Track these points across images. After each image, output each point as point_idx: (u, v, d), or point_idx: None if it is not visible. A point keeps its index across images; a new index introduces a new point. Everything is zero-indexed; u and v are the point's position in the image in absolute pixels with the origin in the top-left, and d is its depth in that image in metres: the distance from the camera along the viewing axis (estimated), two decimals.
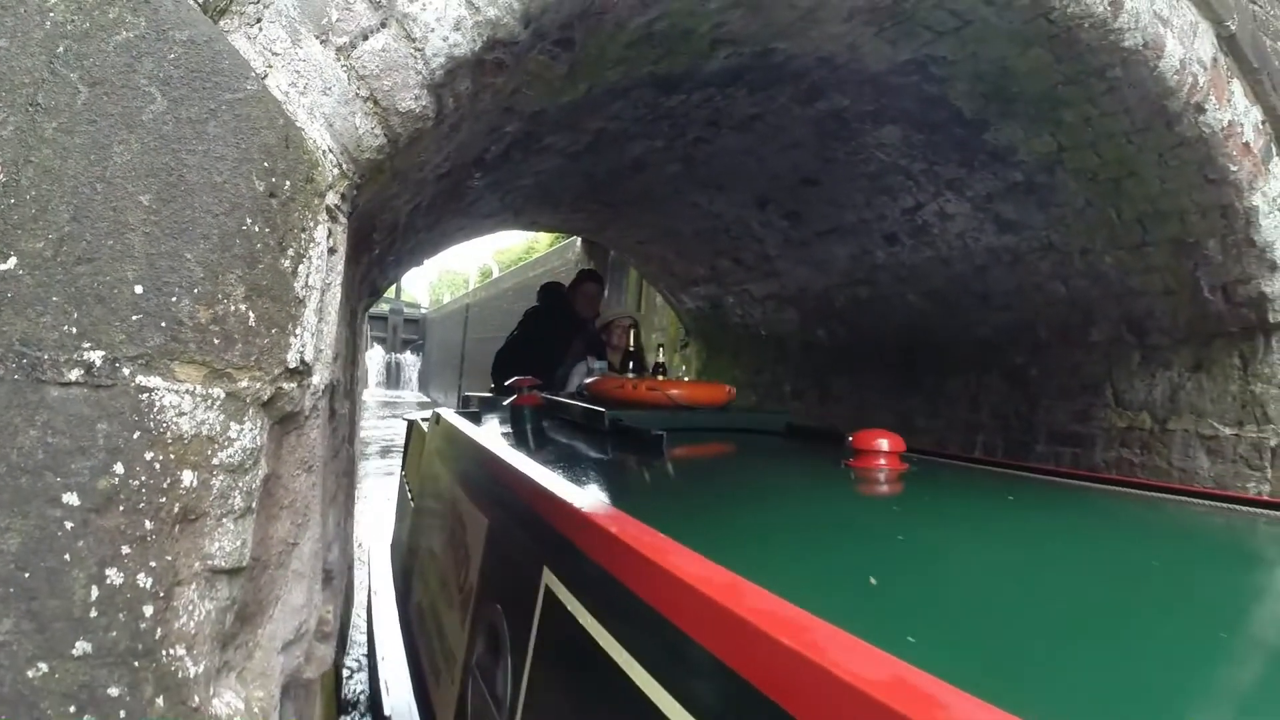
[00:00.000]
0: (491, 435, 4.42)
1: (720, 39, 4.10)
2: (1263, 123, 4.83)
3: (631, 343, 6.45)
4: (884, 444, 3.58)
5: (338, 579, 3.37)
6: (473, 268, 45.27)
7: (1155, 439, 5.78)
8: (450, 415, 5.43)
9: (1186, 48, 4.36)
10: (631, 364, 6.07)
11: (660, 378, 5.64)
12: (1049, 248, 5.93)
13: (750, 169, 6.45)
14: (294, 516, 2.31)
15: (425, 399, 46.95)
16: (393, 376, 54.26)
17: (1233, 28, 4.55)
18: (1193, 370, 5.61)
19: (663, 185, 6.96)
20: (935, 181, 6.03)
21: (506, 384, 6.67)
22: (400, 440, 27.81)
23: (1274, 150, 4.93)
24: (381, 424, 29.01)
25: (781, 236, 7.68)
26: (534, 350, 7.98)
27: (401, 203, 3.82)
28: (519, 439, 4.76)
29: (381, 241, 4.35)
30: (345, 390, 4.19)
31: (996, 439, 7.01)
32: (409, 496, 6.40)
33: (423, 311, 54.41)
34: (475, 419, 5.46)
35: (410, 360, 55.56)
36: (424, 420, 6.84)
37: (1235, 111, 4.66)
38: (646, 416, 4.51)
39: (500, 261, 36.26)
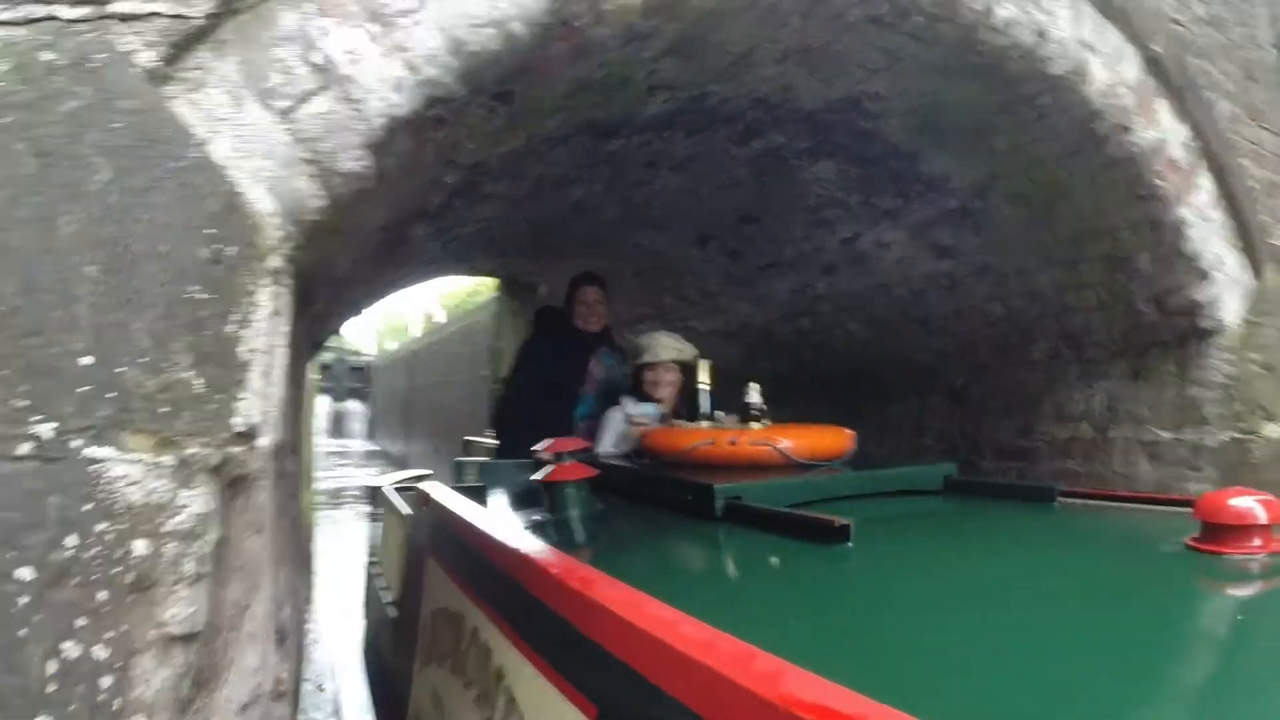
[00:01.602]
0: (536, 541, 2.62)
1: (656, 85, 4.15)
2: (1189, 139, 4.95)
3: (705, 380, 4.84)
4: (1260, 513, 2.34)
5: (291, 638, 3.34)
6: (418, 313, 45.16)
7: (1096, 448, 5.87)
8: (447, 496, 3.82)
9: (1113, 72, 4.47)
10: (704, 406, 4.72)
11: (756, 424, 4.09)
12: (986, 270, 6.03)
13: (690, 208, 6.52)
14: (246, 579, 2.30)
15: (374, 447, 46.54)
16: (340, 425, 53.69)
17: (1157, 50, 4.68)
18: (1130, 379, 5.72)
19: (604, 227, 7.01)
20: (872, 212, 6.12)
21: (535, 450, 4.64)
22: (349, 486, 27.33)
23: (1200, 164, 5.06)
24: (330, 474, 28.75)
25: (723, 273, 7.74)
26: (542, 391, 6.30)
27: (344, 258, 3.82)
28: (584, 540, 3.29)
29: (324, 296, 4.34)
30: (292, 447, 4.16)
31: (896, 449, 7.16)
32: (385, 601, 5.09)
33: (368, 359, 53.94)
34: (477, 497, 4.01)
35: (357, 409, 54.95)
36: (399, 492, 5.78)
37: (1162, 130, 4.78)
38: (767, 488, 3.21)
39: (445, 306, 36.09)
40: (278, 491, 2.65)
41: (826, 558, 2.53)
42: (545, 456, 3.60)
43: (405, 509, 5.18)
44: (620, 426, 5.54)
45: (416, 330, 41.30)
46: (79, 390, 1.83)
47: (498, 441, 6.91)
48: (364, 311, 8.21)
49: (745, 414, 4.22)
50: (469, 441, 12.38)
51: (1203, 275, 5.14)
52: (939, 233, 6.00)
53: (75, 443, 1.82)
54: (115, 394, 1.85)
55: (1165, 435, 5.51)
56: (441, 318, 35.96)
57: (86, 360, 1.84)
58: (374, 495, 7.75)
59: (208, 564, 2.04)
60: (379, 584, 5.64)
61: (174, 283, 1.96)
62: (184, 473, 1.95)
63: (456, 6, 2.56)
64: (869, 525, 2.66)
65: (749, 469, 3.68)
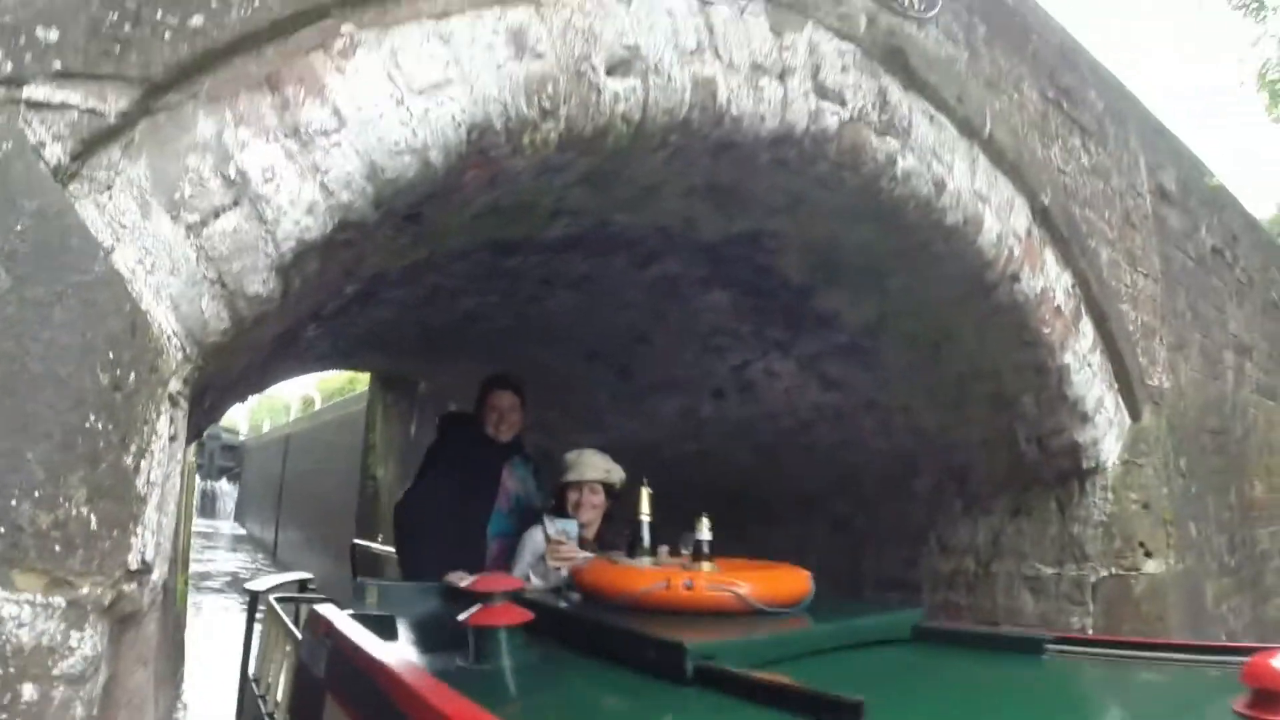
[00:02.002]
0: (466, 704, 2.21)
1: (561, 210, 4.17)
2: (1073, 286, 5.15)
3: (647, 511, 4.29)
4: None
5: None
6: (295, 395, 44.25)
7: (980, 581, 5.97)
8: (351, 629, 3.37)
9: (1004, 222, 4.64)
10: (644, 541, 4.19)
11: (707, 564, 3.68)
12: (872, 405, 6.14)
13: (582, 325, 6.51)
14: (130, 713, 2.21)
15: (241, 530, 45.26)
16: (208, 505, 51.79)
17: (1045, 201, 4.88)
18: (1013, 515, 5.85)
19: (495, 336, 6.96)
20: (763, 342, 6.19)
21: (450, 580, 4.76)
22: (215, 569, 26.42)
23: (1083, 311, 5.24)
24: (198, 556, 27.85)
25: (611, 390, 7.72)
26: (450, 504, 5.52)
27: (237, 367, 3.72)
28: (525, 706, 2.86)
29: (211, 397, 4.22)
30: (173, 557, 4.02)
31: (822, 587, 7.10)
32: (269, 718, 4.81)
33: (241, 439, 52.41)
34: (386, 629, 3.51)
35: (227, 489, 53.35)
36: (277, 605, 5.57)
37: (1048, 278, 4.95)
38: (740, 646, 2.94)
39: (323, 390, 35.47)
40: (163, 615, 2.54)
41: None
42: (470, 592, 3.17)
43: (295, 631, 4.89)
44: (540, 547, 5.14)
45: (294, 411, 40.55)
46: None
47: (395, 552, 6.35)
48: (247, 399, 8.02)
49: (696, 552, 3.81)
50: (357, 546, 11.73)
51: (1084, 418, 5.31)
52: (828, 366, 6.09)
53: None
54: (5, 529, 1.76)
55: (1047, 571, 5.64)
56: (318, 401, 35.41)
57: None
58: (253, 601, 7.38)
59: (95, 706, 1.94)
60: (264, 706, 5.24)
61: (72, 410, 1.87)
62: (75, 613, 1.86)
63: (376, 132, 2.53)
64: (847, 690, 2.30)
65: (704, 617, 3.30)
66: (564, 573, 4.61)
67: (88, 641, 1.90)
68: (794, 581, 3.62)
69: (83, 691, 1.89)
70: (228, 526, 46.81)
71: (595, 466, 5.23)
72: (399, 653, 3.02)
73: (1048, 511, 5.71)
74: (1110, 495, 5.52)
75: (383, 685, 2.60)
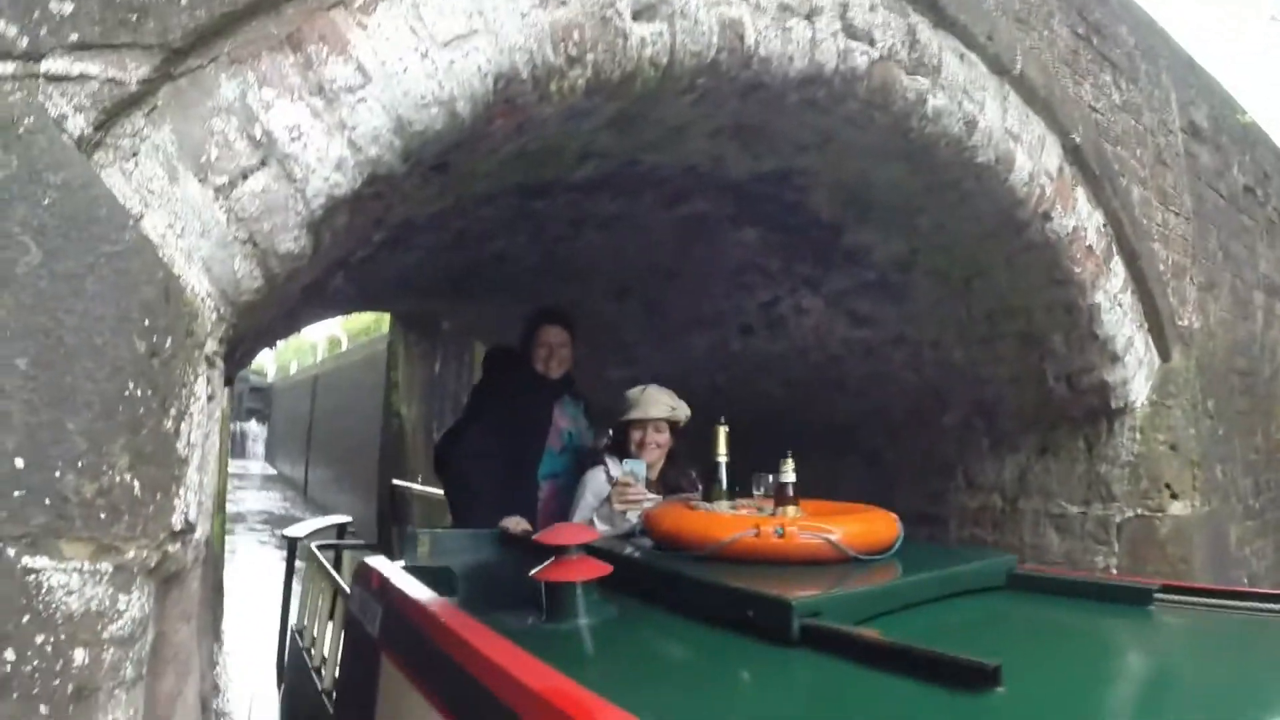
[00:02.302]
0: (546, 671, 2.11)
1: (589, 153, 4.15)
2: (1104, 225, 5.10)
3: (724, 451, 4.01)
4: None
5: (209, 709, 3.26)
6: (321, 336, 44.34)
7: (1006, 518, 5.99)
8: (409, 585, 3.24)
9: (1035, 160, 4.58)
10: (722, 484, 3.94)
11: (792, 509, 3.46)
12: (901, 340, 6.12)
13: (611, 263, 6.51)
14: (178, 668, 2.25)
15: (271, 470, 45.75)
16: (238, 446, 52.32)
17: (1077, 139, 4.82)
18: (1040, 453, 5.85)
19: (524, 276, 6.95)
20: (792, 279, 6.18)
21: (517, 531, 4.51)
22: (248, 509, 26.70)
23: (1114, 250, 5.19)
24: (230, 497, 28.23)
25: (641, 326, 7.73)
26: (499, 445, 5.23)
27: (266, 318, 3.74)
28: (608, 669, 2.54)
29: (243, 349, 4.25)
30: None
31: None
32: (321, 689, 4.57)
33: (269, 381, 52.81)
34: (443, 584, 3.28)
35: (256, 430, 53.94)
36: (320, 554, 5.45)
37: (1079, 217, 4.91)
38: (844, 599, 2.66)
39: (349, 330, 35.49)
40: (205, 568, 2.58)
41: (963, 709, 1.93)
42: (539, 544, 2.90)
43: (339, 580, 4.81)
44: (603, 490, 4.87)
45: (320, 352, 40.64)
46: (12, 495, 1.75)
47: (444, 496, 5.92)
48: (275, 345, 8.04)
49: (780, 495, 3.55)
50: (396, 487, 11.50)
51: (1113, 357, 5.28)
52: (857, 302, 6.08)
53: (10, 552, 1.74)
54: (50, 500, 1.77)
55: (1073, 509, 5.65)
56: (345, 341, 35.49)
57: (19, 462, 1.75)
58: (292, 548, 7.25)
59: (144, 665, 1.99)
60: (309, 660, 5.08)
61: (110, 379, 1.87)
62: (122, 577, 1.89)
63: (401, 86, 2.50)
64: (951, 646, 2.11)
65: (794, 567, 3.04)
66: (631, 517, 4.50)
67: (135, 604, 1.93)
68: (885, 526, 3.33)
69: (132, 652, 1.93)
70: (257, 466, 47.37)
71: (660, 403, 5.07)
72: (462, 610, 2.80)
73: (1075, 450, 5.71)
74: (1138, 436, 5.51)
75: (447, 647, 2.47)
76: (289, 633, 6.38)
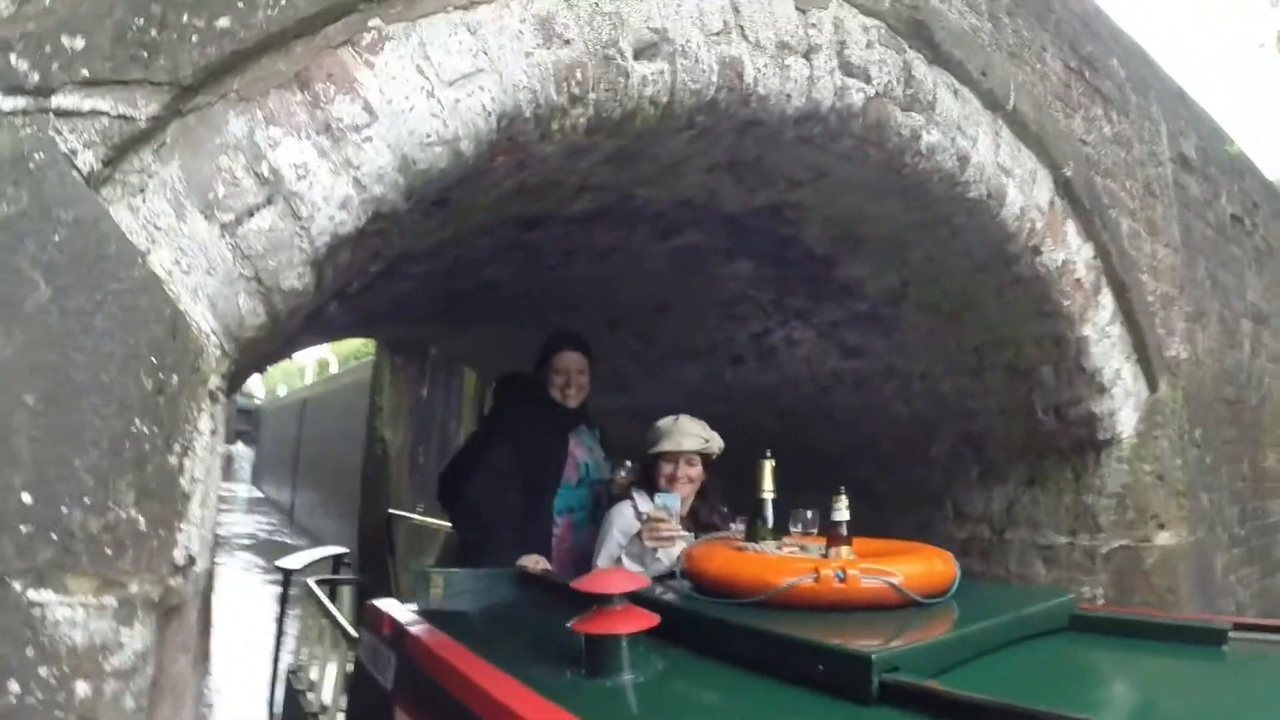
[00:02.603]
0: None
1: (586, 187, 4.17)
2: (1094, 258, 5.16)
3: (770, 487, 3.79)
4: None
5: None
6: (310, 359, 44.23)
7: (994, 548, 6.02)
8: (428, 634, 3.03)
9: (1026, 195, 4.64)
10: (768, 522, 3.70)
11: (845, 548, 3.25)
12: (891, 372, 6.16)
13: (604, 294, 6.54)
14: (174, 699, 2.25)
15: (258, 493, 45.53)
16: (224, 469, 52.03)
17: (1068, 173, 4.88)
18: (1028, 484, 5.89)
19: (515, 304, 6.98)
20: (783, 311, 6.22)
21: (536, 571, 4.32)
22: (233, 532, 26.45)
23: (1103, 282, 5.25)
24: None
25: (633, 355, 7.76)
26: (514, 477, 4.89)
27: (265, 351, 3.76)
28: None
29: (240, 378, 4.26)
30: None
31: None
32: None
33: (257, 403, 52.56)
34: (462, 631, 3.05)
35: (242, 452, 53.60)
36: (319, 590, 5.23)
37: (1069, 250, 4.96)
38: (921, 651, 2.43)
39: (339, 354, 35.44)
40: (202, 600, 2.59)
41: None
42: (582, 592, 2.58)
43: (344, 622, 4.54)
44: (631, 526, 4.51)
45: (309, 375, 40.58)
46: (20, 530, 1.77)
47: (455, 530, 5.82)
48: (265, 369, 7.99)
49: (832, 534, 3.32)
50: (395, 517, 11.02)
51: (1101, 389, 5.33)
52: (848, 333, 6.11)
53: (16, 585, 1.76)
54: (57, 535, 1.79)
55: (1060, 540, 5.68)
56: (334, 365, 35.44)
57: (26, 498, 1.78)
58: (286, 581, 7.08)
59: (145, 696, 1.99)
60: (306, 705, 4.86)
61: (117, 416, 1.90)
62: (125, 611, 1.91)
63: (407, 125, 2.54)
64: (1024, 697, 1.99)
65: (854, 613, 2.83)
66: (662, 556, 4.25)
67: (137, 637, 1.95)
68: (944, 566, 3.13)
69: (132, 684, 1.94)
70: (244, 490, 47.08)
71: (693, 435, 4.74)
72: (490, 664, 2.56)
73: (1063, 481, 5.75)
74: (1125, 466, 5.56)
75: (477, 706, 2.28)
76: (283, 673, 6.13)
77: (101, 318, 1.93)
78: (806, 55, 3.65)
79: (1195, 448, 6.35)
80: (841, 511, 3.33)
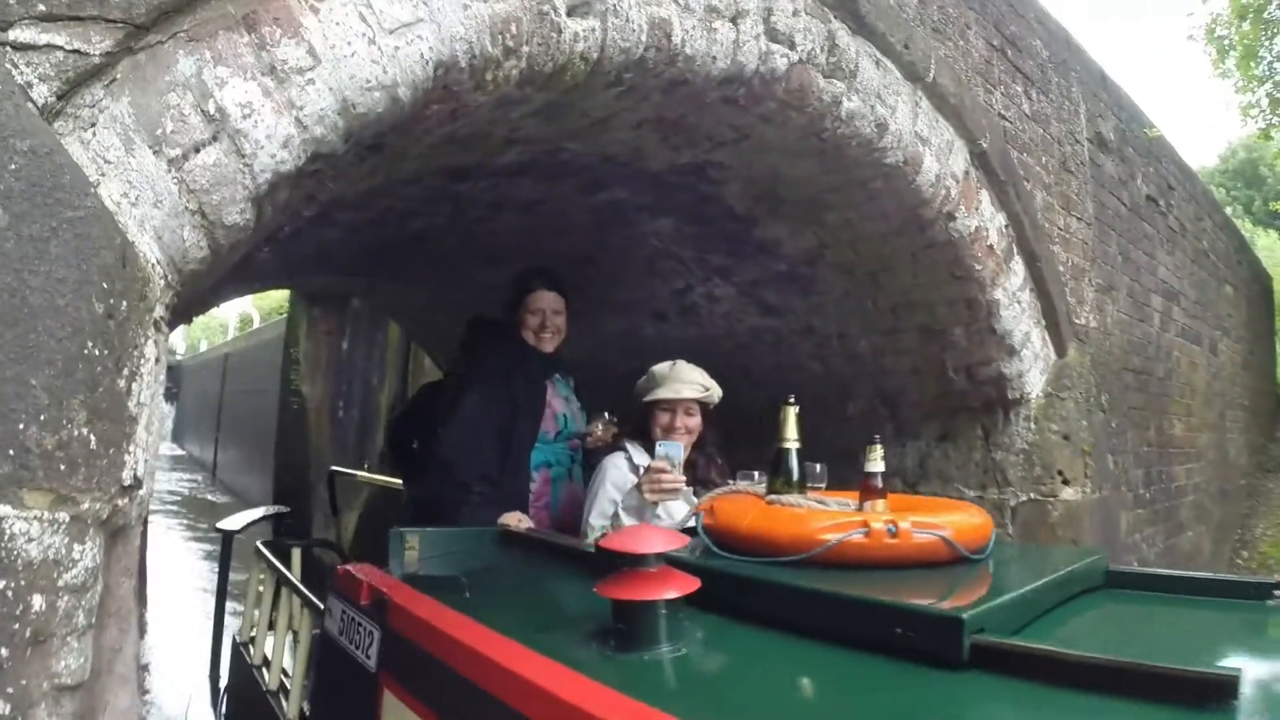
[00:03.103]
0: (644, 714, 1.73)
1: (514, 139, 4.26)
2: (1006, 226, 5.37)
3: (795, 436, 3.36)
4: None
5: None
6: (233, 314, 43.43)
7: None
8: (425, 607, 2.58)
9: (942, 163, 4.82)
10: (792, 474, 3.26)
11: (880, 502, 3.01)
12: (809, 330, 6.33)
13: (529, 247, 6.59)
14: (120, 623, 2.33)
15: (179, 450, 44.93)
16: None
17: (984, 145, 5.08)
18: (940, 441, 6.10)
19: (441, 257, 7.03)
20: (704, 268, 6.35)
21: (520, 529, 3.94)
22: (157, 489, 26.34)
23: (1015, 250, 5.46)
24: None
25: None
26: (488, 429, 4.52)
27: (199, 291, 3.81)
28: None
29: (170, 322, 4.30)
30: None
31: None
32: (274, 700, 4.01)
33: (178, 359, 51.53)
34: (456, 597, 2.70)
35: (164, 409, 52.80)
36: (269, 554, 4.78)
37: (982, 218, 5.15)
38: (1003, 609, 2.21)
39: (261, 308, 34.91)
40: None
41: None
42: (611, 552, 2.24)
43: (300, 589, 4.12)
44: (625, 480, 4.18)
45: (231, 330, 40.00)
46: None
47: (404, 482, 5.43)
48: (192, 320, 7.91)
49: (867, 487, 3.06)
50: (338, 474, 9.98)
51: (1011, 351, 5.54)
52: (767, 292, 6.27)
53: None
54: (14, 452, 1.85)
55: (970, 494, 5.90)
56: (256, 319, 34.94)
57: None
58: (227, 543, 6.45)
59: (94, 614, 2.07)
60: (263, 681, 4.39)
61: (71, 338, 1.96)
62: (77, 528, 1.98)
63: (349, 70, 2.62)
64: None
65: (905, 571, 2.60)
66: (666, 513, 3.98)
67: (88, 554, 2.02)
68: (982, 522, 2.90)
69: (83, 601, 2.02)
70: (165, 447, 46.45)
71: (692, 383, 4.44)
72: (505, 637, 2.17)
73: (973, 438, 5.98)
74: (1033, 425, 5.80)
75: (500, 688, 1.96)
76: (229, 645, 5.58)
77: (56, 244, 1.98)
78: (734, 20, 3.78)
79: (1101, 412, 6.61)
80: (876, 462, 3.09)
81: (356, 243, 6.42)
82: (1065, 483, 5.79)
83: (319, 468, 14.09)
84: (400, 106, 2.83)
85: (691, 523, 3.19)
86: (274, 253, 5.63)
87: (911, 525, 2.60)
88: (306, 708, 3.68)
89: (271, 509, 7.62)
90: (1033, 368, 5.80)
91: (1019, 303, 5.57)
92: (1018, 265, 5.56)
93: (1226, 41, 15.40)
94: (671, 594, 2.16)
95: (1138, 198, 8.60)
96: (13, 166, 1.95)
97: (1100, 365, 6.89)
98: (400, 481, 5.89)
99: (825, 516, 2.76)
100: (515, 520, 4.08)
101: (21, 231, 1.94)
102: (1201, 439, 11.01)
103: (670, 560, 2.30)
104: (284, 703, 4.12)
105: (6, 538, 1.85)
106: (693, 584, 2.21)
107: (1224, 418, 12.62)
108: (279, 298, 27.08)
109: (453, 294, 8.39)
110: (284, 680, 4.28)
